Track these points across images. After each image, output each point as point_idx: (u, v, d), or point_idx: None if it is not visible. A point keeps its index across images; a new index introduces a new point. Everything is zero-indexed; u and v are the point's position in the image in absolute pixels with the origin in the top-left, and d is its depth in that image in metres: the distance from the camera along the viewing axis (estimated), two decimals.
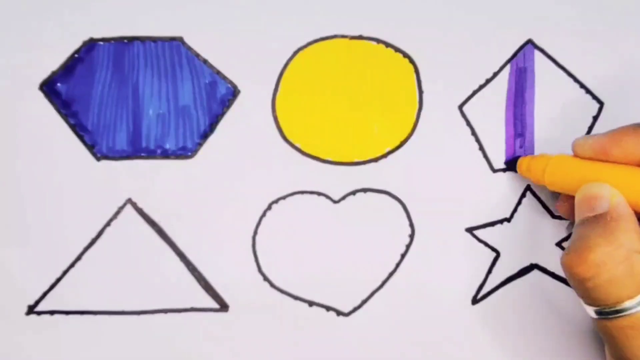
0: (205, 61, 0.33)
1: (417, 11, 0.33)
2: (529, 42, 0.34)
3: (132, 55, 0.32)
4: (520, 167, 0.33)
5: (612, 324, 0.27)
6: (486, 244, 0.34)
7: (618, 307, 0.26)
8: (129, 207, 0.33)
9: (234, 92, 0.33)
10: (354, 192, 0.34)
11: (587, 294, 0.27)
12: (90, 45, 0.32)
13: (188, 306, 0.33)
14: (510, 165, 0.34)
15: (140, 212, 0.33)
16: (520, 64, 0.34)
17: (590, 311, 0.28)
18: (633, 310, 0.26)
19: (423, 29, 0.33)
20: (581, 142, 0.30)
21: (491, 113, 0.34)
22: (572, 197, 0.30)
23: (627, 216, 0.27)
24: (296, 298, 0.34)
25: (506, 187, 0.34)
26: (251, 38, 0.33)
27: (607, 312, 0.27)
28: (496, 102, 0.34)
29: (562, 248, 0.35)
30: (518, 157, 0.34)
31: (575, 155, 0.30)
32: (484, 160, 0.34)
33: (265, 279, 0.33)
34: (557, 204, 0.34)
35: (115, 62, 0.32)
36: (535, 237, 0.35)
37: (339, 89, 0.33)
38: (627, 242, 0.27)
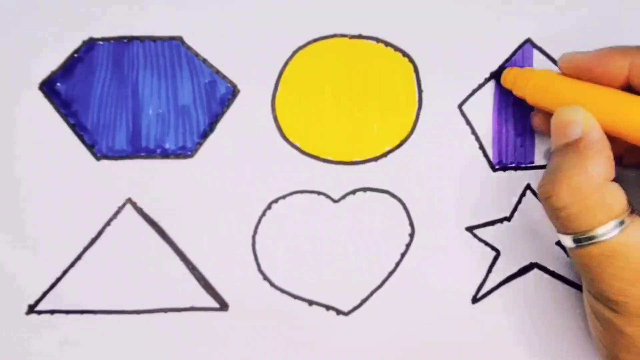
0: (204, 61, 0.33)
1: (417, 10, 0.33)
2: (528, 41, 0.34)
3: (131, 55, 0.32)
4: (505, 78, 0.33)
5: (586, 251, 0.27)
6: (486, 243, 0.35)
7: (590, 234, 0.27)
8: (128, 206, 0.33)
9: (233, 92, 0.33)
10: (353, 192, 0.34)
11: (561, 222, 0.28)
12: (89, 44, 0.32)
13: (188, 305, 0.33)
14: (496, 75, 0.34)
15: (140, 211, 0.33)
16: (519, 63, 0.34)
17: (567, 240, 0.28)
18: (605, 237, 0.27)
19: (422, 28, 0.33)
20: (568, 58, 0.30)
21: (491, 112, 0.34)
22: (548, 113, 0.30)
23: (599, 143, 0.27)
24: (296, 297, 0.34)
25: (506, 186, 0.34)
26: (251, 38, 0.33)
27: (581, 240, 0.27)
28: (496, 101, 0.34)
29: (563, 247, 0.35)
30: (504, 68, 0.33)
31: (561, 71, 0.30)
32: (484, 159, 0.34)
33: (265, 278, 0.33)
34: (532, 116, 0.34)
35: (115, 62, 0.32)
36: (535, 236, 0.35)
37: (339, 89, 0.33)
38: (599, 170, 0.27)
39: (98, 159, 0.33)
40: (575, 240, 0.28)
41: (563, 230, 0.28)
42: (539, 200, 0.29)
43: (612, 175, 0.27)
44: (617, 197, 0.27)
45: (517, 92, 0.32)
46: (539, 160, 0.35)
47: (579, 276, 0.35)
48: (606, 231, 0.27)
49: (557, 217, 0.28)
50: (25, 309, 0.33)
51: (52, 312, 0.33)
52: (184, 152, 0.33)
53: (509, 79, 0.33)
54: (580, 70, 0.30)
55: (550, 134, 0.29)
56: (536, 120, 0.33)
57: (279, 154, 0.33)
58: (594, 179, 0.27)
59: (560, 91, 0.30)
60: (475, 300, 0.34)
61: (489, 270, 0.35)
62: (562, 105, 0.29)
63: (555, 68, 0.34)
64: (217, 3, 0.33)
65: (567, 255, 0.35)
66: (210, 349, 0.33)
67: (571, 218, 0.27)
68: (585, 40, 0.34)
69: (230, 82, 0.33)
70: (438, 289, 0.34)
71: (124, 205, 0.33)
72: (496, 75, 0.34)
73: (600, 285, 0.28)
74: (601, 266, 0.27)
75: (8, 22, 0.32)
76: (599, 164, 0.27)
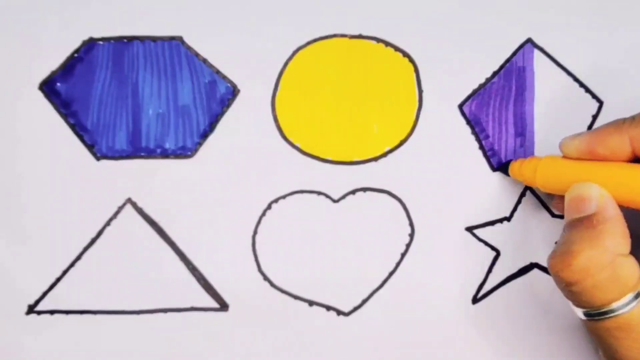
0: (204, 60, 0.33)
1: (417, 10, 0.33)
2: (529, 41, 0.34)
3: (131, 55, 0.32)
4: (512, 171, 0.33)
5: (599, 325, 0.27)
6: (486, 243, 0.34)
7: (604, 309, 0.27)
8: (128, 206, 0.33)
9: (233, 92, 0.33)
10: (353, 192, 0.34)
11: (573, 297, 0.28)
12: (89, 44, 0.32)
13: (188, 306, 0.33)
14: (503, 169, 0.34)
15: (140, 211, 0.33)
16: (520, 63, 0.34)
17: (579, 312, 0.28)
18: (619, 312, 0.26)
19: (423, 28, 0.33)
20: (567, 143, 0.30)
21: (491, 112, 0.34)
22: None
23: (614, 218, 0.27)
24: (296, 297, 0.34)
25: (506, 186, 0.34)
26: (251, 37, 0.33)
27: (594, 314, 0.27)
28: (496, 101, 0.34)
29: None
30: (509, 161, 0.34)
31: (563, 155, 0.30)
32: (483, 159, 0.34)
33: (265, 278, 0.33)
34: (553, 203, 0.34)
35: (115, 62, 0.32)
36: (535, 236, 0.35)
37: (339, 89, 0.33)
38: (612, 245, 0.26)
39: (98, 159, 0.32)
40: (587, 315, 0.27)
41: (576, 304, 0.28)
42: (550, 274, 0.28)
43: (627, 249, 0.27)
44: (631, 270, 0.26)
45: (527, 182, 0.32)
46: (538, 154, 0.35)
47: None
48: (621, 305, 0.26)
49: (570, 292, 0.27)
50: (25, 309, 0.33)
51: (52, 312, 0.33)
52: (184, 152, 0.33)
53: (515, 171, 0.33)
54: (583, 153, 0.29)
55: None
56: (558, 206, 0.33)
57: (279, 154, 0.33)
58: (607, 254, 0.26)
59: (569, 174, 0.30)
60: (475, 300, 0.34)
61: (489, 271, 0.35)
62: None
63: (555, 67, 0.34)
64: (217, 3, 0.33)
65: None
66: (210, 349, 0.33)
67: (583, 293, 0.27)
68: (585, 40, 0.34)
69: (230, 82, 0.33)
70: (438, 289, 0.34)
71: (124, 205, 0.33)
72: (502, 168, 0.34)
73: (614, 354, 0.27)
74: (616, 338, 0.27)
75: (8, 22, 0.32)
76: (614, 239, 0.27)
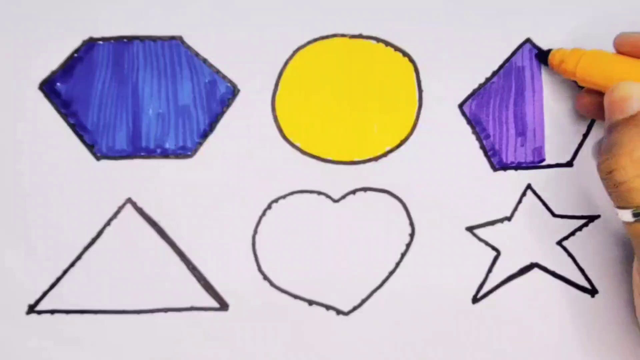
0: (204, 60, 0.33)
1: (417, 10, 0.33)
2: (528, 40, 0.34)
3: (131, 55, 0.32)
4: (552, 60, 0.33)
5: None
6: (486, 243, 0.34)
7: None
8: (128, 206, 0.33)
9: (233, 92, 0.33)
10: (354, 191, 0.34)
11: (623, 197, 0.28)
12: (89, 44, 0.32)
13: (188, 305, 0.33)
14: (542, 57, 0.34)
15: (140, 211, 0.33)
16: (519, 63, 0.34)
17: (626, 214, 0.28)
18: None
19: (423, 27, 0.33)
20: (624, 37, 0.30)
21: (491, 112, 0.34)
22: (595, 92, 0.30)
23: None
24: (296, 297, 0.34)
25: (506, 186, 0.34)
26: (251, 37, 0.33)
27: None
28: (496, 101, 0.34)
29: (563, 247, 0.35)
30: (550, 49, 0.33)
31: (616, 49, 0.31)
32: (484, 159, 0.34)
33: (265, 278, 0.33)
34: (578, 98, 0.33)
35: (115, 62, 0.32)
36: (535, 236, 0.35)
37: (339, 88, 0.33)
38: None
39: (98, 159, 0.33)
40: (635, 215, 0.28)
41: (623, 204, 0.28)
42: (599, 177, 0.29)
43: None
44: None
45: (564, 73, 0.32)
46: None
47: (578, 275, 0.35)
48: None
49: (619, 191, 0.28)
50: (26, 309, 0.33)
51: (52, 312, 0.33)
52: (184, 152, 0.33)
53: (556, 60, 0.32)
54: (637, 48, 0.30)
55: (597, 115, 0.29)
56: (583, 102, 0.33)
57: (279, 154, 0.33)
58: None
59: (614, 69, 0.30)
60: (475, 300, 0.34)
61: (489, 270, 0.35)
62: (616, 82, 0.29)
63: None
64: (217, 3, 0.33)
65: (567, 254, 0.35)
66: (210, 349, 0.33)
67: (634, 191, 0.27)
68: (585, 40, 0.34)
69: (230, 82, 0.33)
70: (438, 289, 0.34)
71: (124, 205, 0.33)
72: (540, 57, 0.34)
73: None
74: None
75: (8, 22, 0.32)
76: None
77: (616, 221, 0.35)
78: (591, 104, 0.32)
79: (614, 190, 0.28)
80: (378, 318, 0.34)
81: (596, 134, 0.35)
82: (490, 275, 0.35)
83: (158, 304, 0.33)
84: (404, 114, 0.34)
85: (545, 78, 0.34)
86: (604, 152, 0.28)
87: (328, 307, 0.34)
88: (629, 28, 0.32)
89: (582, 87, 0.33)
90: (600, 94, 0.31)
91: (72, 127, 0.32)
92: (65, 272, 0.33)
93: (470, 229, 0.34)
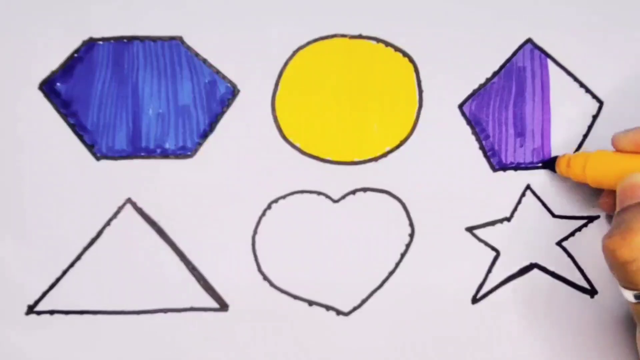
0: (204, 60, 0.33)
1: (417, 10, 0.33)
2: (529, 41, 0.34)
3: (131, 55, 0.32)
4: (559, 166, 0.33)
5: None
6: (486, 243, 0.34)
7: None
8: (128, 206, 0.33)
9: (233, 92, 0.33)
10: (353, 192, 0.34)
11: (628, 277, 0.28)
12: (89, 44, 0.32)
13: (188, 306, 0.33)
14: (549, 165, 0.34)
15: (140, 211, 0.33)
16: (520, 63, 0.34)
17: (629, 295, 0.28)
18: None
19: (423, 28, 0.33)
20: (621, 136, 0.31)
21: (491, 112, 0.34)
22: (614, 192, 0.30)
23: None
24: (296, 297, 0.34)
25: (506, 186, 0.34)
26: (251, 37, 0.33)
27: None
28: (496, 101, 0.34)
29: (563, 247, 0.35)
30: (556, 157, 0.34)
31: (617, 149, 0.31)
32: (484, 159, 0.34)
33: (265, 278, 0.33)
34: (601, 200, 0.34)
35: (115, 62, 0.32)
36: (535, 236, 0.35)
37: (339, 89, 0.33)
38: None
39: (98, 159, 0.32)
40: (637, 297, 0.28)
41: (628, 284, 0.28)
42: (605, 256, 0.29)
43: None
44: None
45: (574, 177, 0.33)
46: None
47: (578, 276, 0.35)
48: None
49: (625, 271, 0.28)
50: (25, 309, 0.32)
51: (51, 312, 0.33)
52: (184, 152, 0.33)
53: (563, 165, 0.33)
54: (636, 145, 0.30)
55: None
56: (606, 203, 0.34)
57: (279, 154, 0.33)
58: None
59: (621, 167, 0.30)
60: (475, 300, 0.34)
61: (489, 271, 0.35)
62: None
63: (555, 67, 0.34)
64: (217, 3, 0.33)
65: (567, 255, 0.35)
66: (210, 349, 0.33)
67: (639, 273, 0.27)
68: (585, 40, 0.34)
69: (230, 82, 0.33)
70: (438, 289, 0.34)
71: (124, 205, 0.33)
72: (547, 165, 0.34)
73: None
74: None
75: (8, 22, 0.32)
76: None
77: None
78: (614, 204, 0.32)
79: (618, 270, 0.28)
80: (378, 318, 0.34)
81: (596, 134, 0.35)
82: (490, 275, 0.35)
83: (158, 304, 0.33)
84: (404, 114, 0.34)
85: (551, 79, 0.34)
86: (610, 232, 0.28)
87: (328, 308, 0.34)
88: (628, 26, 0.33)
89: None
90: None
91: (72, 127, 0.32)
92: (64, 272, 0.33)
93: (470, 229, 0.34)
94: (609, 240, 0.28)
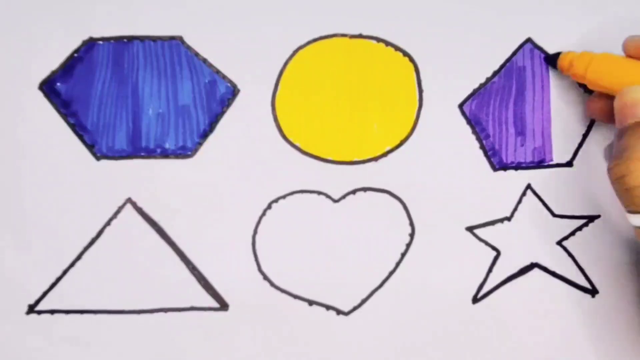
0: (204, 60, 0.33)
1: (417, 10, 0.33)
2: (529, 41, 0.34)
3: (131, 55, 0.32)
4: (562, 63, 0.33)
5: None
6: (486, 243, 0.34)
7: None
8: (128, 206, 0.33)
9: (233, 91, 0.33)
10: (354, 191, 0.34)
11: (635, 201, 0.28)
12: (89, 44, 0.32)
13: (188, 305, 0.33)
14: (551, 61, 0.34)
15: (140, 211, 0.33)
16: (520, 63, 0.34)
17: (636, 220, 0.28)
18: None
19: (423, 27, 0.33)
20: (633, 39, 0.30)
21: (491, 112, 0.34)
22: (606, 97, 0.30)
23: None
24: (296, 297, 0.34)
25: (506, 185, 0.34)
26: (251, 37, 0.33)
27: None
28: (496, 101, 0.34)
29: (563, 247, 0.35)
30: (559, 52, 0.33)
31: (626, 54, 0.30)
32: (484, 159, 0.34)
33: (265, 278, 0.33)
34: (588, 102, 0.33)
35: (115, 62, 0.32)
36: (535, 236, 0.35)
37: (339, 88, 0.33)
38: None
39: (98, 159, 0.33)
40: None
41: (634, 208, 0.28)
42: (610, 181, 0.28)
43: None
44: None
45: (574, 76, 0.32)
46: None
47: (578, 275, 0.35)
48: None
49: (632, 196, 0.28)
50: (26, 309, 0.33)
51: (52, 312, 0.33)
52: (184, 152, 0.33)
53: (565, 63, 0.32)
54: None
55: (607, 119, 0.29)
56: (594, 106, 0.33)
57: (279, 154, 0.33)
58: None
59: (625, 72, 0.30)
60: (475, 300, 0.34)
61: (490, 270, 0.35)
62: (627, 86, 0.29)
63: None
64: (217, 3, 0.33)
65: (567, 254, 0.35)
66: (210, 349, 0.33)
67: None
68: (585, 39, 0.34)
69: (230, 81, 0.33)
70: (438, 289, 0.34)
71: (124, 205, 0.33)
72: (549, 60, 0.34)
73: None
74: None
75: (8, 22, 0.32)
76: None
77: (616, 221, 0.35)
78: (602, 109, 0.32)
79: (625, 195, 0.28)
80: (378, 318, 0.34)
81: (596, 134, 0.35)
82: (490, 275, 0.35)
83: (158, 304, 0.33)
84: (404, 114, 0.34)
85: (551, 78, 0.34)
86: (615, 157, 0.28)
87: (328, 307, 0.34)
88: (627, 25, 0.33)
89: (589, 92, 0.33)
90: (610, 98, 0.31)
91: (72, 127, 0.32)
92: (65, 272, 0.33)
93: (470, 229, 0.34)
94: (614, 167, 0.28)
